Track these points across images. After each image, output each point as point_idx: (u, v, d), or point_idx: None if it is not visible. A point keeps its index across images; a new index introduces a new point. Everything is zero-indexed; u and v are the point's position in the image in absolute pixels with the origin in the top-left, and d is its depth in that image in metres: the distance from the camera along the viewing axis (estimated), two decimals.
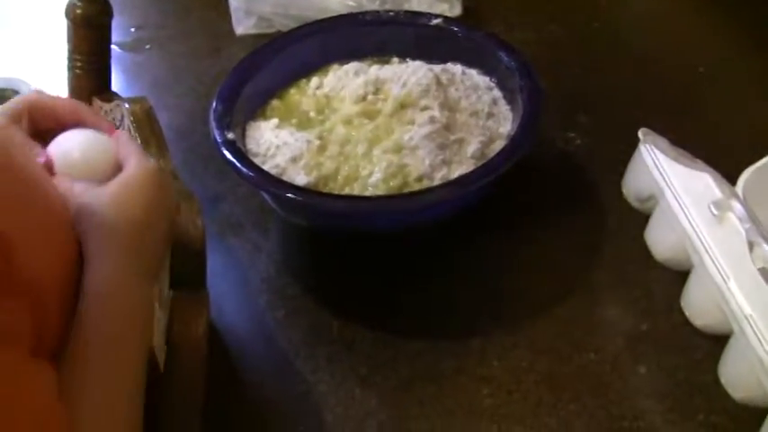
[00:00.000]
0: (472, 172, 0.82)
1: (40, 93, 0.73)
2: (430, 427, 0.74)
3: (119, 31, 1.25)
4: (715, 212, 0.77)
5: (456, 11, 1.22)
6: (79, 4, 0.75)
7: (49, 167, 0.66)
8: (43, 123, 0.71)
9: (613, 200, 0.93)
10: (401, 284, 0.87)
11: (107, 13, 0.77)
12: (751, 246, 0.76)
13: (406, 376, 0.79)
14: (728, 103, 1.08)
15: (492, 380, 0.78)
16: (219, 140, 0.85)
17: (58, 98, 0.73)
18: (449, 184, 0.82)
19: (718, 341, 0.77)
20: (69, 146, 0.68)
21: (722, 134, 1.02)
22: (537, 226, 0.92)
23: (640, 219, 0.89)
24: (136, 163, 0.66)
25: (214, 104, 0.90)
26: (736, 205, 0.79)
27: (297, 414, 0.78)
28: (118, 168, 0.67)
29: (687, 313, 0.80)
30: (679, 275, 0.83)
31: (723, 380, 0.75)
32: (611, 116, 1.06)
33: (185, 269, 0.75)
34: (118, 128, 0.75)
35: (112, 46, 0.79)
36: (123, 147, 0.68)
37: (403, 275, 0.88)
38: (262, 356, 0.83)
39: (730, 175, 0.85)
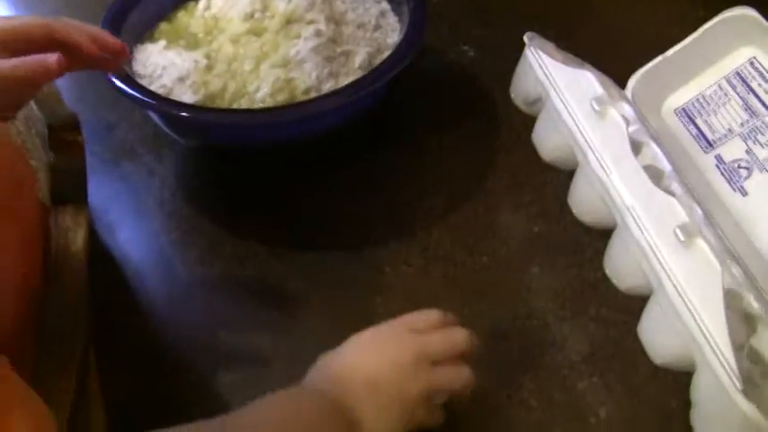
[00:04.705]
0: (359, 79, 0.81)
1: None
2: (324, 336, 0.74)
3: None
4: (596, 108, 0.77)
5: None
6: None
7: None
8: None
9: (506, 107, 0.93)
10: (294, 199, 0.87)
11: None
12: (639, 146, 0.77)
13: (300, 288, 0.79)
14: (623, 10, 1.09)
15: (386, 289, 0.78)
16: None
17: None
18: (335, 93, 0.81)
19: (607, 237, 0.78)
20: None
21: (616, 41, 1.02)
22: (429, 136, 0.92)
23: (530, 123, 0.89)
24: None
25: None
26: (625, 106, 0.80)
27: (191, 337, 0.77)
28: None
29: (575, 211, 0.81)
30: (569, 177, 0.83)
31: (609, 272, 0.76)
32: (506, 28, 1.04)
33: (66, 186, 0.74)
34: None
35: None
36: None
37: (295, 190, 0.88)
38: (156, 280, 0.81)
39: (622, 80, 0.85)
